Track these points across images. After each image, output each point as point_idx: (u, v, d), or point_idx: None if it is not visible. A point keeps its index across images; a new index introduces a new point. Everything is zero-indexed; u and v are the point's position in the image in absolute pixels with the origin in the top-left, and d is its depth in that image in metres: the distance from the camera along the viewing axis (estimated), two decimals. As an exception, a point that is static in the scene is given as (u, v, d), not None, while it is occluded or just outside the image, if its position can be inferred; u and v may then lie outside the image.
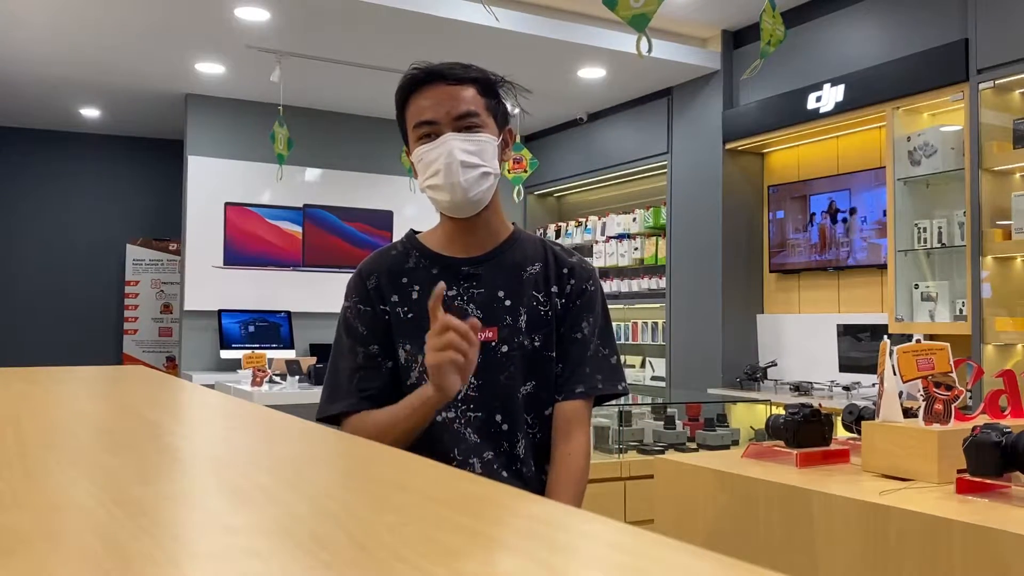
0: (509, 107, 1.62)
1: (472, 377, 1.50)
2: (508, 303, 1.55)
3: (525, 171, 6.07)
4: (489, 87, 1.55)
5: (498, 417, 1.52)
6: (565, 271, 1.60)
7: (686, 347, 5.81)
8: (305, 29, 4.94)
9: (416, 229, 1.66)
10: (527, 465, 1.54)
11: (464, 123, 1.49)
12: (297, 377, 4.88)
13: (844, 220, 5.00)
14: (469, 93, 1.51)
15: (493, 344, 1.52)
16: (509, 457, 1.52)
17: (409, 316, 1.54)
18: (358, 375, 1.54)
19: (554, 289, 1.58)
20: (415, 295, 1.55)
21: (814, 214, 5.20)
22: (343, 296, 1.61)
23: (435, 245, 1.59)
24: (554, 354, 1.56)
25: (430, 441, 1.50)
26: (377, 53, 5.31)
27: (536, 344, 1.55)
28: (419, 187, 1.55)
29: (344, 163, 6.79)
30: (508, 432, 1.52)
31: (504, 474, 1.51)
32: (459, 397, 1.50)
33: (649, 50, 2.27)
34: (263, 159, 6.33)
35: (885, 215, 4.59)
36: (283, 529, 0.48)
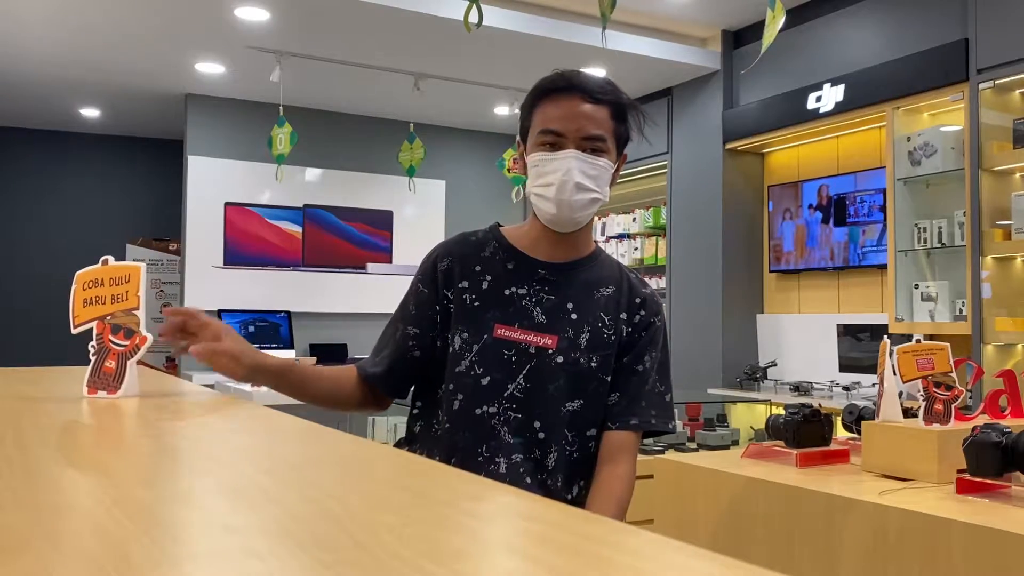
0: (633, 133, 1.61)
1: (522, 378, 1.51)
2: (574, 317, 1.55)
3: (525, 171, 6.08)
4: (621, 112, 1.54)
5: (536, 424, 1.52)
6: (638, 300, 1.60)
7: (686, 347, 5.80)
8: (305, 29, 4.94)
9: (500, 223, 1.67)
10: (554, 478, 1.53)
11: (590, 145, 1.50)
12: (297, 377, 4.88)
13: (844, 220, 5.00)
14: (602, 115, 1.51)
15: (550, 352, 1.52)
16: (538, 465, 1.52)
17: (475, 304, 1.54)
18: (388, 350, 1.59)
19: (623, 316, 1.58)
20: (485, 284, 1.55)
21: (814, 214, 5.20)
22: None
23: (517, 242, 1.60)
24: (608, 378, 1.56)
25: (463, 431, 1.51)
26: (377, 53, 5.31)
27: (592, 364, 1.54)
28: (528, 189, 1.56)
29: (344, 163, 6.79)
30: (543, 441, 1.52)
31: (528, 480, 1.50)
32: (505, 394, 1.51)
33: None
34: (263, 159, 6.33)
35: (885, 215, 4.59)
36: (283, 529, 0.48)
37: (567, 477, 1.54)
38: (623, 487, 1.54)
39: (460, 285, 1.55)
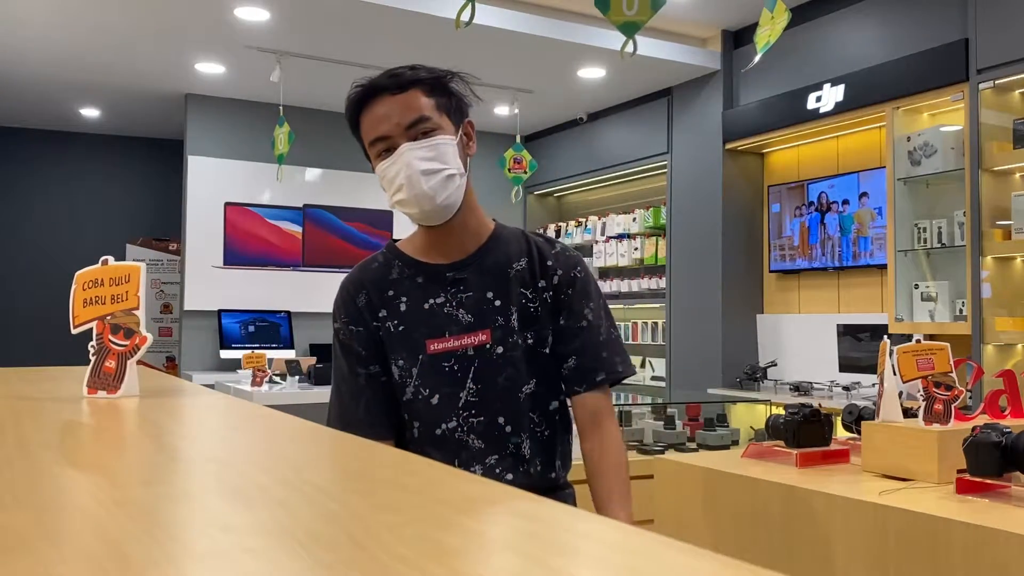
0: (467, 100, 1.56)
1: (471, 382, 1.49)
2: (498, 303, 1.52)
3: (525, 172, 6.08)
4: (436, 86, 1.49)
5: (501, 419, 1.50)
6: (549, 263, 1.56)
7: (686, 347, 5.80)
8: (305, 29, 4.94)
9: (396, 238, 1.64)
10: (533, 465, 1.52)
11: (417, 130, 1.45)
12: (297, 377, 4.88)
13: (844, 220, 5.00)
14: (416, 98, 1.46)
15: (488, 346, 1.50)
16: (516, 458, 1.51)
17: (400, 329, 1.52)
18: (365, 399, 1.52)
19: (541, 284, 1.55)
20: (403, 307, 1.53)
21: (814, 214, 5.20)
22: (332, 316, 1.58)
23: (416, 253, 1.56)
24: (548, 350, 1.54)
25: (428, 452, 1.49)
26: (377, 53, 5.30)
27: (530, 341, 1.53)
28: (388, 204, 1.51)
29: (344, 163, 6.78)
30: (512, 433, 1.51)
31: (509, 476, 1.50)
32: (460, 404, 1.49)
33: (633, 53, 2.33)
34: (263, 159, 6.34)
35: (885, 215, 4.59)
36: (283, 529, 0.48)
37: (545, 459, 1.54)
38: (617, 452, 1.51)
39: (380, 315, 1.53)
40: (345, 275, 1.62)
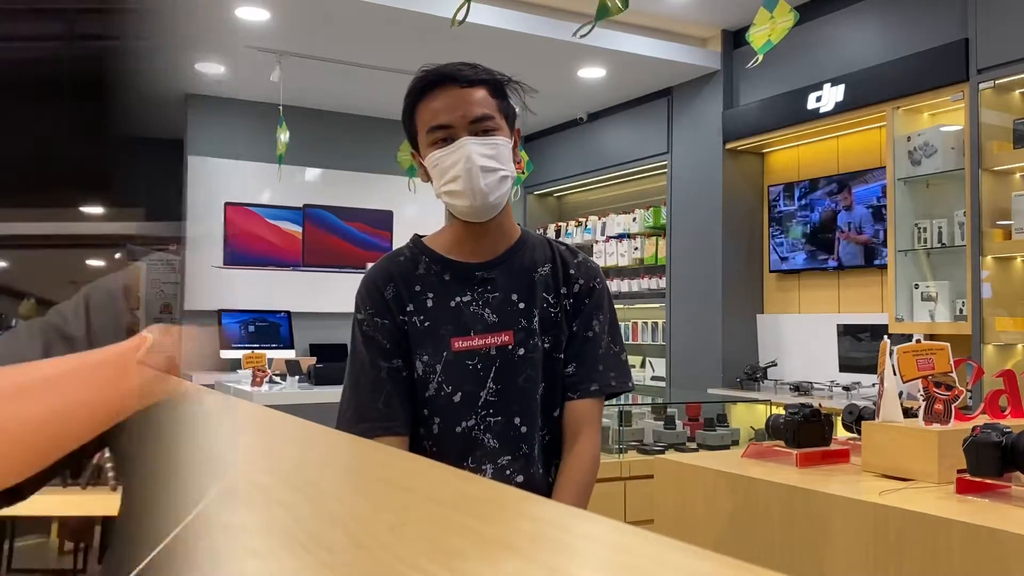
0: (516, 108, 1.60)
1: (491, 382, 1.50)
2: (522, 306, 1.54)
3: (523, 172, 6.09)
4: (498, 88, 1.52)
5: (517, 420, 1.51)
6: (572, 272, 1.59)
7: (686, 347, 5.80)
8: (305, 29, 4.94)
9: (420, 233, 1.64)
10: (536, 467, 1.54)
11: (480, 126, 1.47)
12: (297, 377, 4.88)
13: (844, 220, 5.00)
14: (481, 95, 1.49)
15: (510, 348, 1.51)
16: (527, 460, 1.52)
17: (426, 325, 1.52)
18: (384, 392, 1.50)
19: (563, 290, 1.58)
20: (429, 303, 1.53)
21: (814, 214, 5.20)
22: (355, 306, 1.56)
23: (444, 250, 1.57)
24: (562, 355, 1.56)
25: (446, 449, 1.50)
26: (377, 53, 5.31)
27: (546, 346, 1.54)
28: (435, 192, 1.52)
29: (344, 163, 6.79)
30: (526, 435, 1.52)
31: (519, 479, 1.50)
32: (480, 403, 1.50)
33: (584, 35, 2.55)
34: (263, 159, 6.33)
35: (885, 215, 4.59)
36: (283, 529, 0.48)
37: (545, 462, 1.56)
38: (580, 470, 1.53)
39: (408, 309, 1.53)
40: (365, 270, 1.61)
